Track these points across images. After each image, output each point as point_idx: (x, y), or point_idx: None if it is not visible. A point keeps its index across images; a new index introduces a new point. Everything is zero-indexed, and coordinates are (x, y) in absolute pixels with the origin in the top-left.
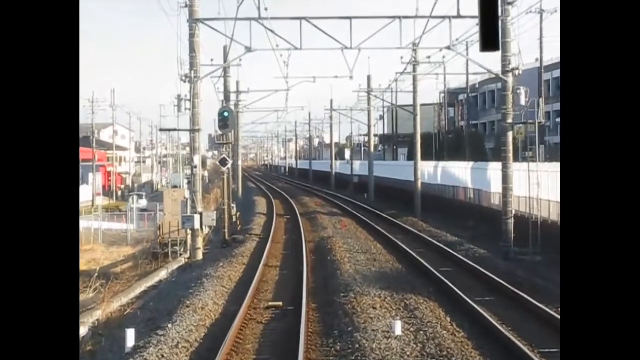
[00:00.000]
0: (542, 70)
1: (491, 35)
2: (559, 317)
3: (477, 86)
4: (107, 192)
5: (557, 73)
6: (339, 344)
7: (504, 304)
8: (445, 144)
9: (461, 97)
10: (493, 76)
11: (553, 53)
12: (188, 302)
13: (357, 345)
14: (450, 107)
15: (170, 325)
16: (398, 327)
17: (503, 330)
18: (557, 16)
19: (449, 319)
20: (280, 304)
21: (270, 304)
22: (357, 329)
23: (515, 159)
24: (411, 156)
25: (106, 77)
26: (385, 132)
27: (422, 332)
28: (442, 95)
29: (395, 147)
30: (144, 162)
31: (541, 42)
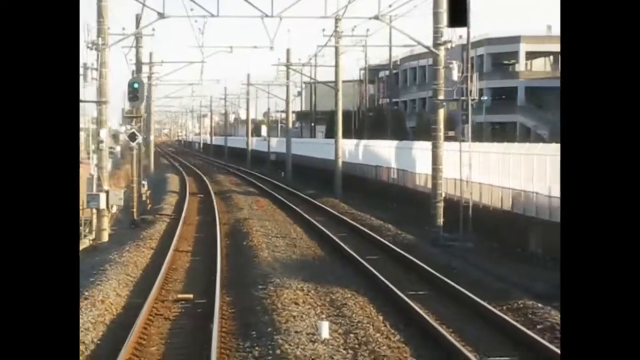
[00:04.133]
0: (469, 46)
1: (459, 10)
2: (503, 315)
3: (399, 63)
4: None
5: (480, 51)
6: (257, 348)
7: (440, 299)
8: (366, 122)
9: (381, 74)
10: (414, 53)
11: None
12: (87, 294)
13: (279, 351)
14: (370, 84)
15: None
16: (325, 329)
17: (444, 333)
18: None
19: (381, 318)
20: (191, 296)
21: (180, 296)
22: (277, 330)
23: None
24: (329, 134)
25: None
26: (303, 108)
27: (352, 335)
28: (362, 71)
29: (313, 125)
30: None
31: (468, 18)
